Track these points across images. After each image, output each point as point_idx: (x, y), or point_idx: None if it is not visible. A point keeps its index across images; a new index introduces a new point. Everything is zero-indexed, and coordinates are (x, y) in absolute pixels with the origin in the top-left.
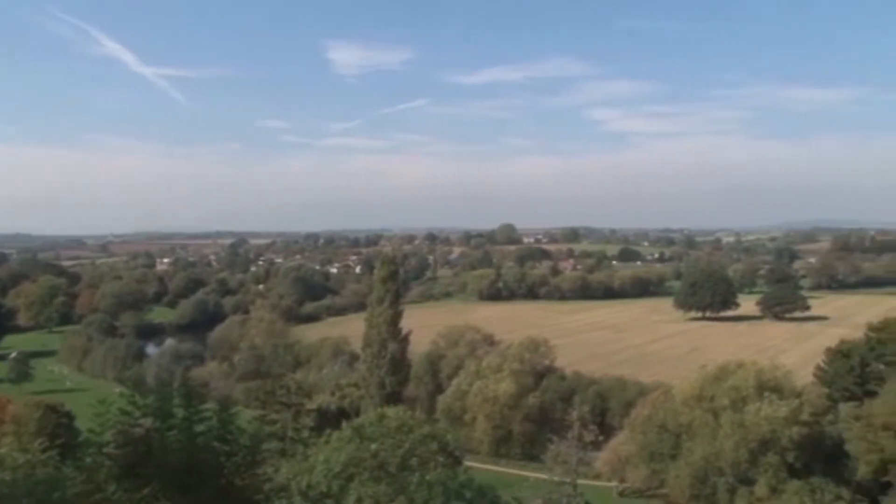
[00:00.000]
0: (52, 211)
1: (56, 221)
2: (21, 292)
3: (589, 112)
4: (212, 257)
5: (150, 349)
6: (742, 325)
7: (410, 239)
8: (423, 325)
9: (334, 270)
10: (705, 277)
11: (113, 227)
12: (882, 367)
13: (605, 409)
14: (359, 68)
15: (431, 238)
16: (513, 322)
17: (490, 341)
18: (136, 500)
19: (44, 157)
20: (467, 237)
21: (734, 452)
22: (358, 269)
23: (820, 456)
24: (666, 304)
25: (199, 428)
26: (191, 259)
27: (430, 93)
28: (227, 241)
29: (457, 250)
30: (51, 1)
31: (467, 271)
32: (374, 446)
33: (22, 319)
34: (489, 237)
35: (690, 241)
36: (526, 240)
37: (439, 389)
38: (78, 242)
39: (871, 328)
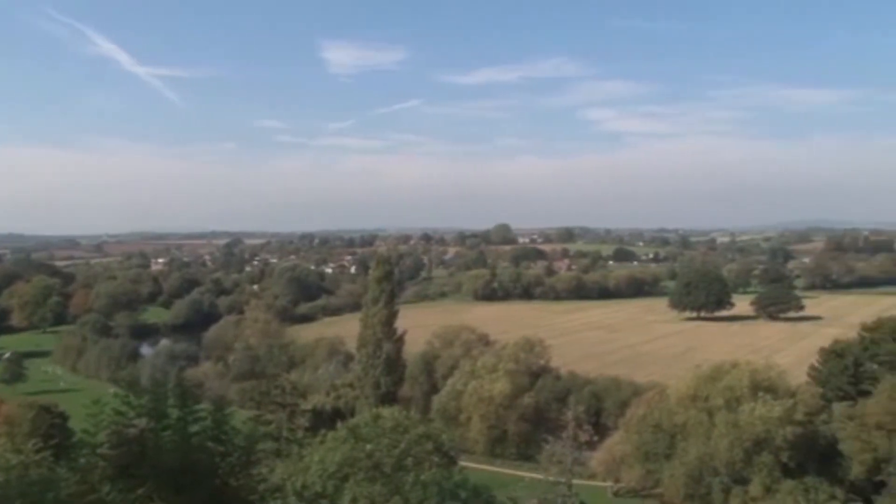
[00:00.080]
0: (46, 211)
1: (50, 221)
2: (15, 292)
3: (584, 112)
4: (206, 257)
5: (145, 349)
6: (736, 325)
7: (405, 239)
8: (419, 326)
9: (329, 270)
10: (700, 277)
11: (107, 227)
12: (875, 366)
13: (600, 409)
14: (354, 68)
15: (426, 238)
16: (508, 322)
17: (485, 341)
18: (130, 501)
19: (38, 157)
20: (462, 237)
21: (729, 452)
22: (353, 270)
23: (814, 455)
24: (661, 304)
25: (194, 428)
26: (185, 259)
27: (425, 93)
28: (222, 242)
29: (452, 250)
30: (45, 0)
31: (462, 271)
32: (369, 446)
33: (16, 320)
34: (484, 237)
35: (685, 242)
36: (521, 240)
37: (434, 389)
38: (72, 242)
39: (865, 328)
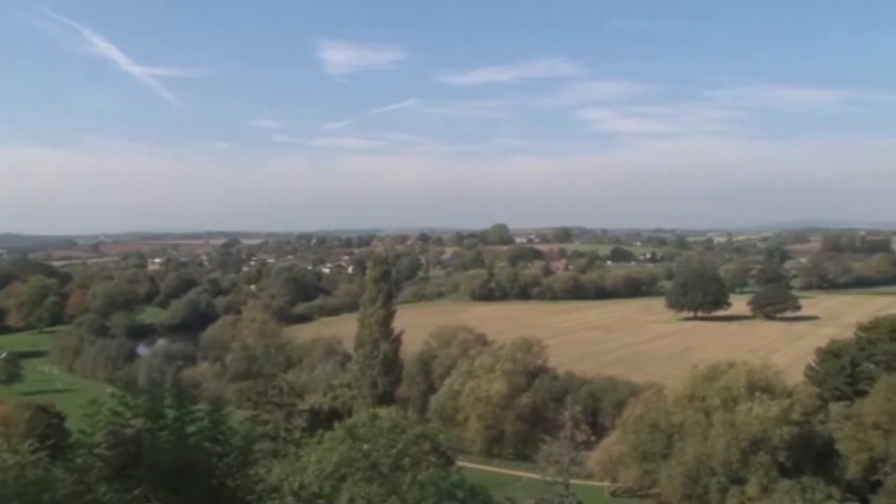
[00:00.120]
0: (42, 211)
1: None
2: (11, 293)
3: (581, 112)
4: (203, 257)
5: (142, 349)
6: (733, 325)
7: (403, 239)
8: (416, 326)
9: (326, 270)
10: (697, 277)
11: (104, 227)
12: (872, 366)
13: (597, 409)
14: (350, 68)
15: (424, 238)
16: (505, 322)
17: (482, 341)
18: (127, 501)
19: (35, 157)
20: (459, 237)
21: (725, 452)
22: (350, 270)
23: (811, 455)
24: (658, 304)
25: (191, 428)
26: (182, 259)
27: (422, 93)
28: (219, 242)
29: (449, 250)
30: (42, 0)
31: (459, 271)
32: (366, 446)
33: (12, 320)
34: (481, 237)
35: (682, 242)
36: (518, 240)
37: (431, 389)
38: (69, 242)
39: (862, 328)
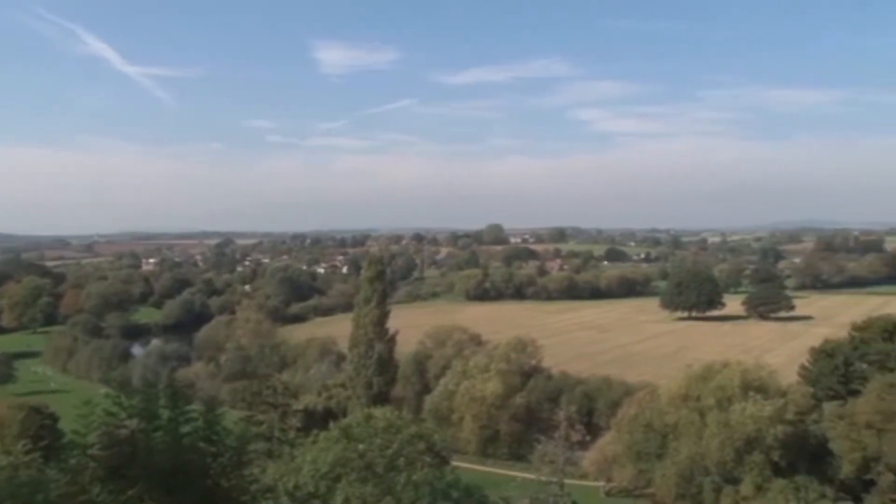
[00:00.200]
0: (36, 211)
1: (40, 221)
2: (4, 293)
3: (575, 112)
4: (198, 257)
5: (136, 350)
6: (727, 325)
7: (397, 239)
8: (411, 326)
9: (321, 271)
10: (691, 277)
11: (98, 228)
12: (865, 366)
13: (592, 408)
14: (345, 68)
15: (418, 238)
16: (500, 322)
17: (477, 341)
18: (121, 502)
19: (28, 157)
20: (454, 237)
21: (720, 452)
22: (345, 270)
23: (804, 455)
24: (652, 304)
25: (185, 429)
26: (177, 259)
27: (417, 93)
28: (214, 242)
29: (444, 250)
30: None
31: (454, 271)
32: (361, 447)
33: (5, 320)
34: (476, 237)
35: (676, 242)
36: (513, 240)
37: (426, 389)
38: (62, 243)
39: (855, 328)
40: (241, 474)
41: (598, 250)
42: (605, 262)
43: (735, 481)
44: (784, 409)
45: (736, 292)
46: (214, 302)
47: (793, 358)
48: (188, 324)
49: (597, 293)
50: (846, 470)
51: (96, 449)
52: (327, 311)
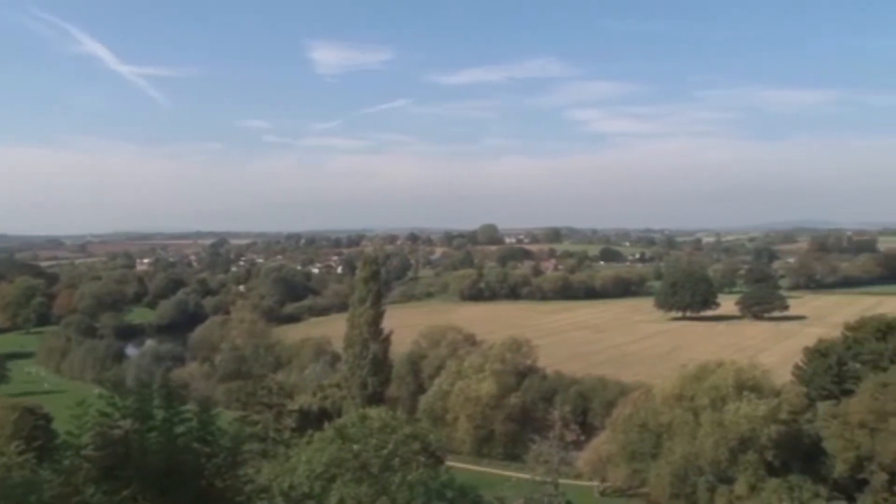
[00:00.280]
0: (29, 211)
1: (34, 221)
2: None
3: (571, 113)
4: (192, 257)
5: (130, 350)
6: (722, 325)
7: (392, 239)
8: (405, 326)
9: (316, 271)
10: (686, 277)
11: (92, 228)
12: (859, 366)
13: (587, 408)
14: (340, 68)
15: (413, 238)
16: (494, 322)
17: (472, 341)
18: (115, 503)
19: (21, 156)
20: (449, 237)
21: (714, 451)
22: (339, 270)
23: (798, 454)
24: (647, 304)
25: (180, 429)
26: (171, 259)
27: (412, 93)
28: (208, 242)
29: (438, 250)
30: None
31: (449, 271)
32: (356, 447)
33: None
34: (471, 237)
35: (671, 242)
36: (508, 240)
37: (421, 389)
38: (56, 243)
39: (848, 328)
40: (236, 475)
41: (593, 250)
42: (601, 263)
43: (729, 481)
44: (778, 408)
45: (730, 292)
46: (209, 302)
47: (787, 358)
48: (182, 324)
49: (591, 293)
50: (840, 469)
51: (90, 450)
52: (322, 312)
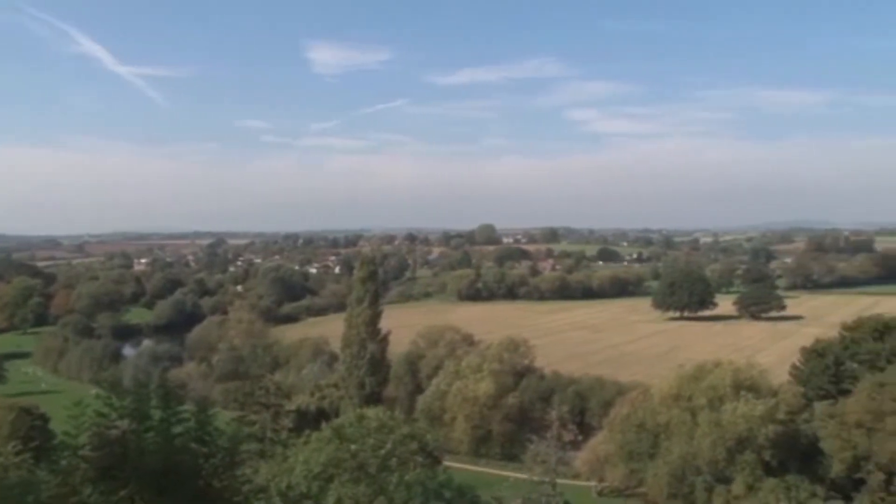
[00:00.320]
0: (27, 211)
1: (31, 221)
2: None
3: (568, 113)
4: (190, 257)
5: (128, 350)
6: (719, 325)
7: (390, 239)
8: (403, 326)
9: (313, 271)
10: (683, 277)
11: (89, 228)
12: (856, 365)
13: (584, 408)
14: (338, 68)
15: (411, 238)
16: (492, 322)
17: (469, 341)
18: (112, 503)
19: (19, 156)
20: (447, 237)
21: (711, 451)
22: (337, 270)
23: (795, 454)
24: (644, 304)
25: (177, 429)
26: (168, 259)
27: (410, 93)
28: (206, 242)
29: (436, 250)
30: None
31: (447, 271)
32: (353, 447)
33: None
34: (468, 237)
35: (668, 242)
36: (505, 240)
37: (419, 389)
38: (53, 243)
39: (845, 327)
40: (234, 475)
41: (591, 250)
42: (599, 263)
43: (726, 481)
44: (775, 408)
45: (728, 292)
46: (206, 302)
47: (784, 357)
48: (180, 324)
49: (589, 293)
50: (837, 469)
51: (87, 450)
52: (319, 312)
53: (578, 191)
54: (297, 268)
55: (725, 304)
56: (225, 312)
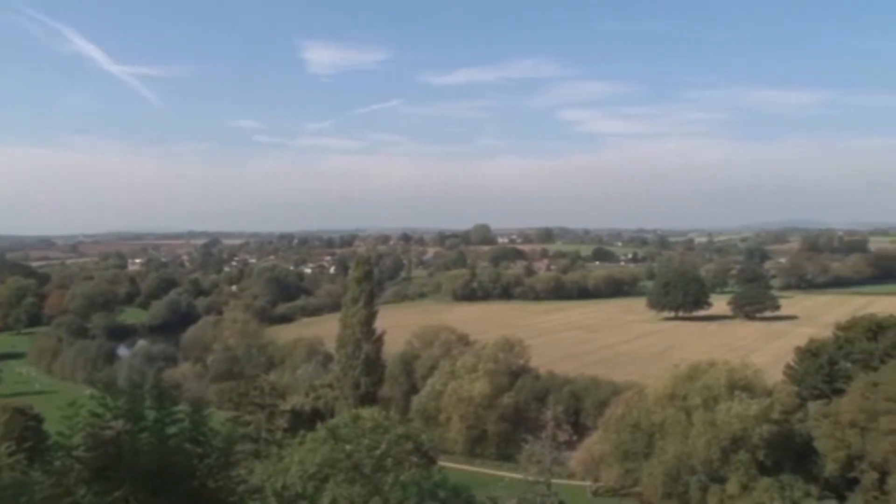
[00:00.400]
0: (20, 211)
1: (25, 221)
2: None
3: (563, 113)
4: (185, 258)
5: (122, 350)
6: (714, 325)
7: (385, 239)
8: (398, 326)
9: (308, 271)
10: (678, 277)
11: (83, 228)
12: (850, 365)
13: (579, 408)
14: (333, 68)
15: (406, 238)
16: (487, 322)
17: (464, 341)
18: None
19: (12, 156)
20: (442, 237)
21: (706, 451)
22: (332, 270)
23: (789, 453)
24: (639, 304)
25: (172, 430)
26: (163, 259)
27: (405, 93)
28: (200, 242)
29: (431, 250)
30: None
31: (442, 271)
32: (348, 447)
33: None
34: (464, 237)
35: (663, 242)
36: (500, 240)
37: (414, 390)
38: (47, 243)
39: (839, 327)
40: (228, 475)
41: (586, 250)
42: (596, 263)
43: (721, 480)
44: (770, 408)
45: (722, 292)
46: (201, 302)
47: (778, 357)
48: (175, 324)
49: (584, 293)
50: (830, 468)
51: (81, 450)
52: (314, 312)
53: (574, 191)
54: (292, 268)
55: (720, 304)
56: (220, 312)
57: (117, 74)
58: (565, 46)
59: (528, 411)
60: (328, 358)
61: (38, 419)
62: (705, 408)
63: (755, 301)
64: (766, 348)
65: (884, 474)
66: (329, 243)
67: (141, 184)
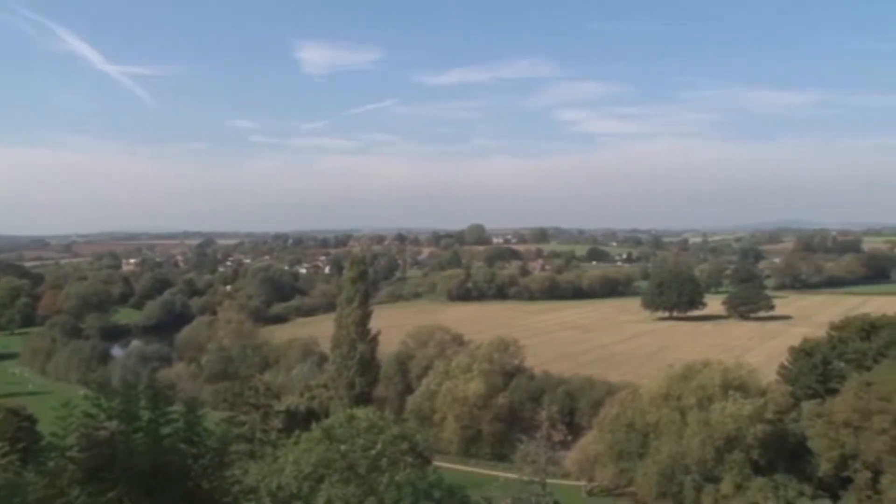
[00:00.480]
0: (14, 211)
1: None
2: None
3: (558, 113)
4: (179, 258)
5: (116, 351)
6: (708, 325)
7: (380, 239)
8: (393, 326)
9: (303, 271)
10: (672, 277)
11: (77, 228)
12: (843, 365)
13: (574, 408)
14: (327, 68)
15: (401, 238)
16: (482, 322)
17: (459, 341)
18: None
19: (5, 156)
20: (436, 237)
21: (700, 450)
22: (327, 270)
23: (783, 453)
24: (634, 304)
25: (166, 430)
26: (157, 259)
27: (399, 93)
28: (195, 242)
29: (426, 251)
30: None
31: (436, 272)
32: (343, 447)
33: None
34: (458, 237)
35: (658, 242)
36: (495, 240)
37: (409, 390)
38: (41, 243)
39: (833, 327)
40: (223, 476)
41: (580, 250)
42: (591, 263)
43: (715, 480)
44: (764, 408)
45: (717, 292)
46: (195, 302)
47: (772, 357)
48: (169, 324)
49: (579, 293)
50: (824, 468)
51: (75, 451)
52: (309, 312)
53: (568, 191)
54: (286, 268)
55: (714, 304)
56: (214, 313)
57: (111, 74)
58: (559, 46)
59: (523, 411)
60: (323, 358)
61: (32, 420)
62: (700, 408)
63: (749, 301)
64: (760, 348)
65: (877, 473)
66: (324, 243)
67: (135, 184)
